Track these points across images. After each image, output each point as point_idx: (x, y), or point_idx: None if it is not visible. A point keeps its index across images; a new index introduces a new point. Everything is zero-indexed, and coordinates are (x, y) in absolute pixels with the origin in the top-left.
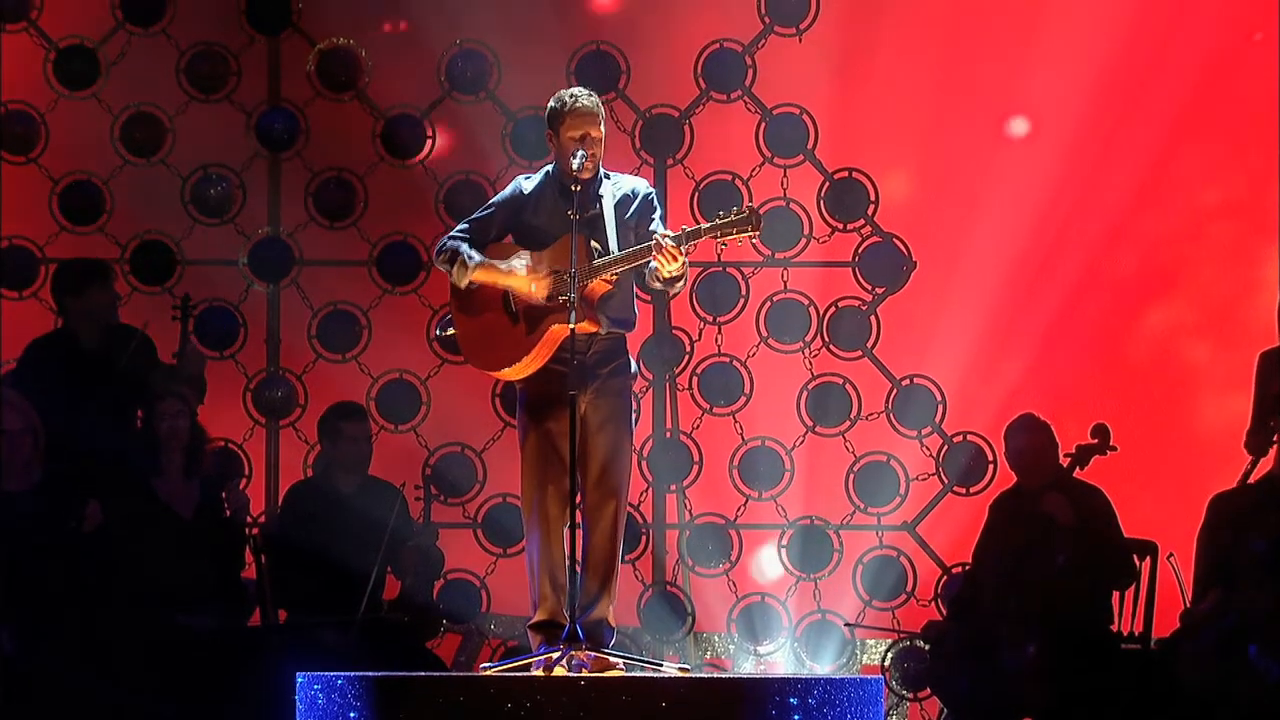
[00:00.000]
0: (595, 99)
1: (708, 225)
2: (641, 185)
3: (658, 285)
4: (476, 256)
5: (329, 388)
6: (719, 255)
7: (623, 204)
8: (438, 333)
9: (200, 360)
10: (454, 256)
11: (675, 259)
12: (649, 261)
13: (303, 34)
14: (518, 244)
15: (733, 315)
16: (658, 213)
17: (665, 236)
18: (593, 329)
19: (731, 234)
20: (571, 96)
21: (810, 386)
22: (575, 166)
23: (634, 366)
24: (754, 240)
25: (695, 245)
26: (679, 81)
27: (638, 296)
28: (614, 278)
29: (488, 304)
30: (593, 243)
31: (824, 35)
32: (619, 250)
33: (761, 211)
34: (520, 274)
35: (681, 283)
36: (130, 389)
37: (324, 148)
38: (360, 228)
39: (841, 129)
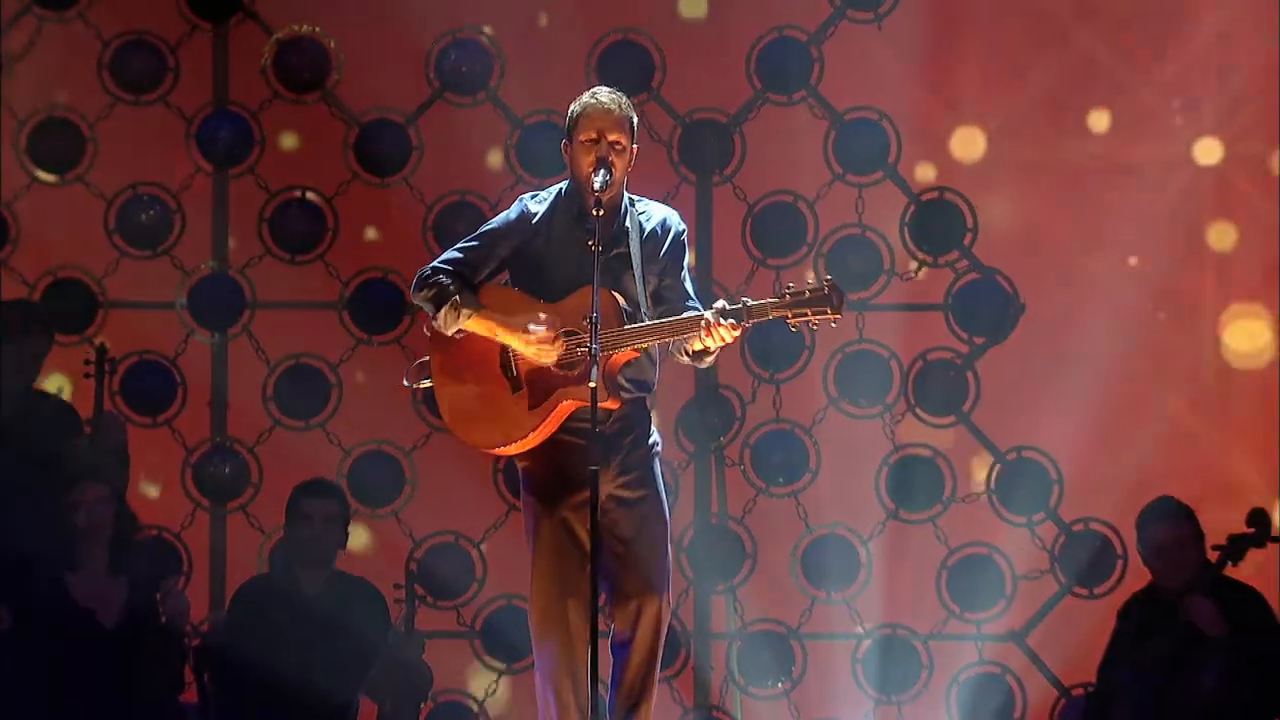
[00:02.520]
0: (621, 98)
1: (773, 302)
2: (673, 219)
3: (683, 359)
4: (473, 301)
5: (289, 462)
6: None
7: (650, 241)
8: (406, 383)
9: (120, 428)
10: (441, 294)
11: (721, 341)
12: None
13: (256, 20)
14: (517, 283)
15: (794, 371)
16: (687, 259)
17: (718, 313)
18: (612, 406)
19: (804, 315)
20: (590, 95)
21: (892, 460)
22: (599, 184)
23: (656, 433)
24: (833, 324)
25: (753, 323)
26: (727, 79)
27: (678, 358)
28: (643, 348)
29: (481, 362)
30: (615, 294)
31: (910, 22)
32: (644, 297)
33: (833, 240)
34: (525, 327)
35: (713, 358)
36: (43, 467)
37: (283, 162)
38: (329, 262)
39: (931, 139)
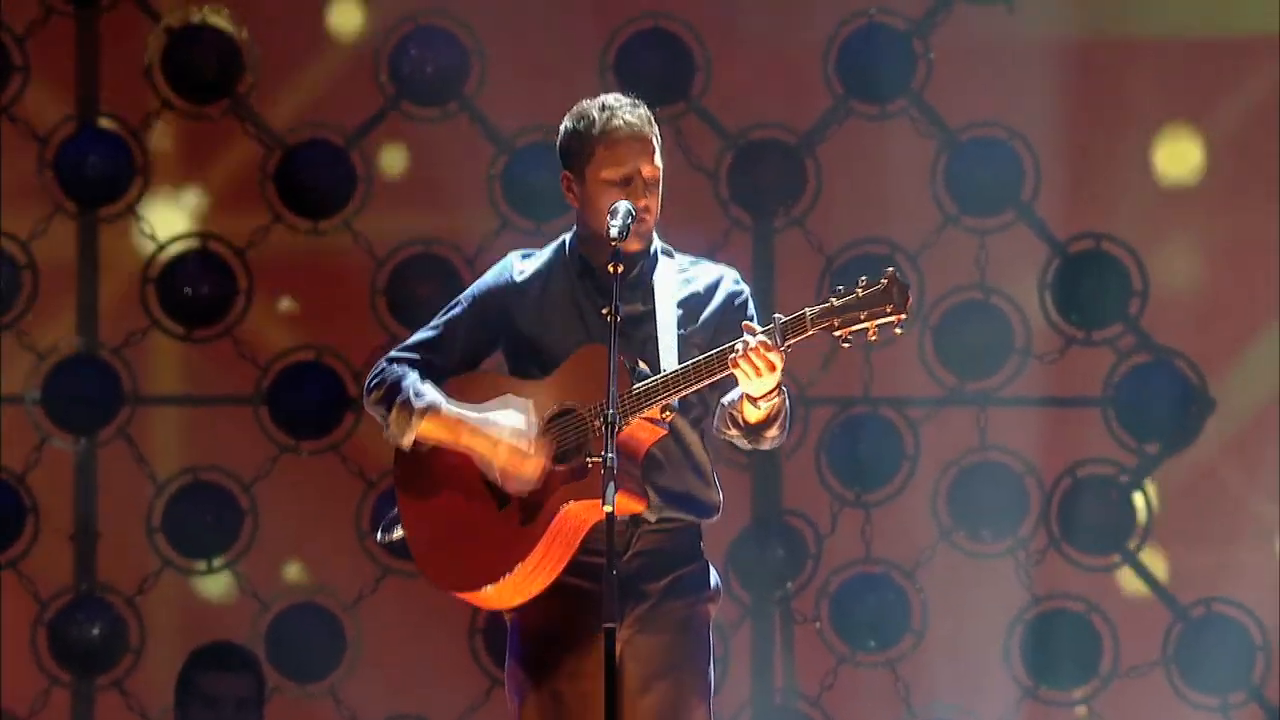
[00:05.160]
0: (646, 113)
1: (817, 309)
2: (729, 277)
3: (732, 434)
4: (429, 395)
5: (183, 620)
6: (865, 388)
7: (691, 307)
8: (380, 536)
9: None
10: (392, 393)
11: (769, 369)
12: (725, 380)
13: (138, 2)
14: (515, 373)
15: (891, 490)
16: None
17: (754, 331)
18: (638, 507)
19: (859, 321)
20: (605, 110)
21: (1029, 617)
22: (615, 232)
23: (714, 579)
24: (898, 329)
25: (794, 341)
26: (796, 83)
27: (717, 455)
28: (668, 414)
29: (455, 472)
30: (624, 354)
31: (1052, 6)
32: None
33: (944, 306)
34: (503, 423)
35: (782, 426)
36: None
37: (177, 200)
38: (240, 339)
39: (1083, 167)
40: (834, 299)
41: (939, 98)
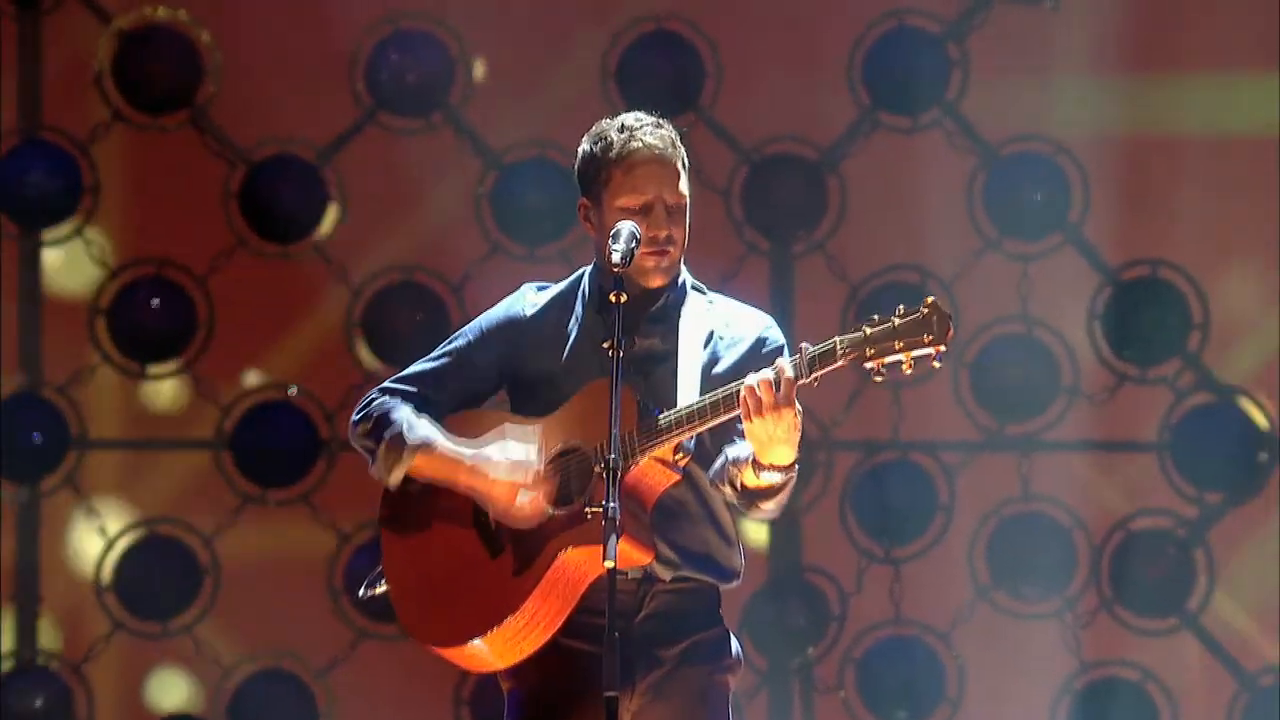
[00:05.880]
0: (672, 134)
1: (848, 339)
2: (761, 324)
3: (724, 491)
4: (422, 430)
5: (138, 689)
6: (895, 431)
7: (717, 348)
8: (363, 590)
9: None
10: (382, 426)
11: (775, 412)
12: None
13: (86, 1)
14: (519, 411)
15: (923, 544)
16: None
17: (761, 373)
18: (643, 559)
19: (894, 351)
20: (623, 132)
21: (1078, 686)
22: (617, 258)
23: (735, 647)
24: (936, 362)
25: (822, 373)
26: (816, 92)
27: (731, 505)
28: (683, 458)
29: (446, 521)
30: (634, 387)
31: (1101, 4)
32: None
33: (982, 341)
34: (501, 459)
35: (781, 503)
36: None
37: (130, 221)
38: (201, 376)
39: (1135, 184)
40: (867, 327)
41: (976, 108)
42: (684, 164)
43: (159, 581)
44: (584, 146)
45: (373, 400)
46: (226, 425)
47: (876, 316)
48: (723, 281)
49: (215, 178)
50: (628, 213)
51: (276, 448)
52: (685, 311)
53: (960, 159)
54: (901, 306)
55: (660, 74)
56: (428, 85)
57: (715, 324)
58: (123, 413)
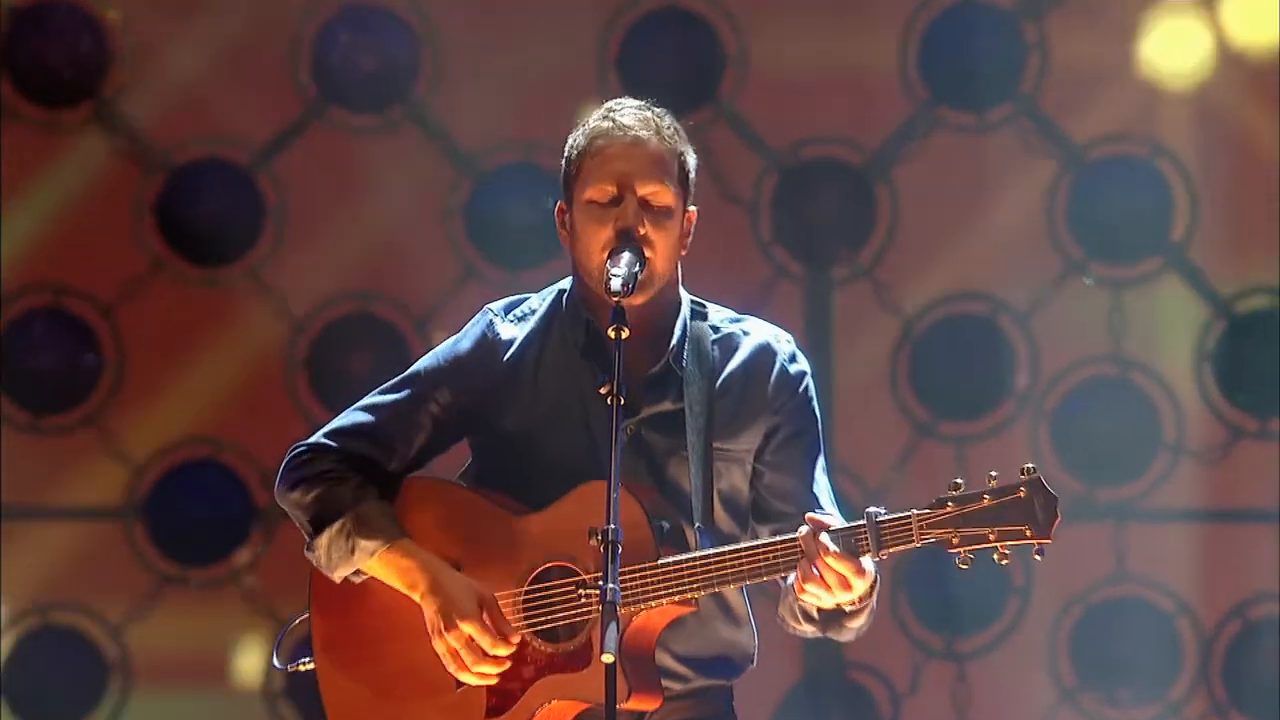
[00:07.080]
0: (662, 117)
1: (930, 516)
2: (777, 350)
3: (803, 629)
4: (376, 524)
5: None
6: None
7: (726, 398)
8: (276, 663)
9: None
10: (324, 503)
11: (843, 588)
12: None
13: None
14: (483, 471)
15: (992, 635)
16: (818, 426)
17: (823, 536)
18: (650, 706)
19: (986, 541)
20: (601, 115)
21: None
22: (616, 285)
23: None
24: (1037, 556)
25: (893, 552)
26: (861, 84)
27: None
28: (695, 598)
29: (397, 615)
30: (647, 492)
31: None
32: (705, 499)
33: (1064, 386)
34: (468, 590)
35: (871, 612)
36: None
37: (23, 239)
38: (107, 430)
39: (1250, 196)
40: (952, 504)
41: (1058, 103)
42: (676, 157)
43: (55, 681)
44: (570, 141)
45: (305, 454)
46: (139, 490)
47: (960, 482)
48: (747, 313)
49: (126, 185)
50: (595, 206)
51: (200, 517)
52: (688, 353)
53: (1038, 164)
54: (993, 476)
55: (671, 61)
56: (386, 74)
57: (721, 361)
58: (11, 472)
